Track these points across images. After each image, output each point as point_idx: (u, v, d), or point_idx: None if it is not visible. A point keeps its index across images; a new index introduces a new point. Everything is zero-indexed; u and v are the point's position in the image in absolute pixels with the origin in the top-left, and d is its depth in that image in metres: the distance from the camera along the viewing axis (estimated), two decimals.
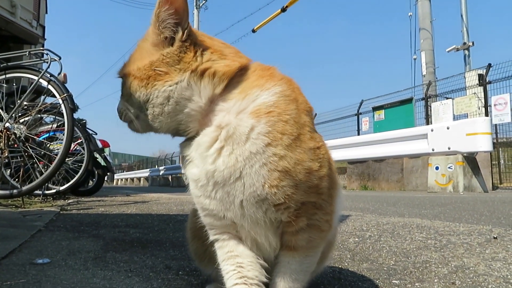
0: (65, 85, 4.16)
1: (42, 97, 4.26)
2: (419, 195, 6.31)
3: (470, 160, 7.78)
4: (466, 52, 13.38)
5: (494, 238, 2.00)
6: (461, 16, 13.34)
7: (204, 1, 24.87)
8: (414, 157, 10.23)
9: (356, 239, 2.09)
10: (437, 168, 8.07)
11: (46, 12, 16.33)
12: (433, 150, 8.13)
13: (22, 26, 11.23)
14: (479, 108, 11.73)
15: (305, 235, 0.91)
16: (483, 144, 7.38)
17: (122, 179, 35.01)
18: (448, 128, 7.93)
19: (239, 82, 0.91)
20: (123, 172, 41.10)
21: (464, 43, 13.31)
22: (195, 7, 24.93)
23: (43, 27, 15.00)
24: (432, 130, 8.25)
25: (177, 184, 21.04)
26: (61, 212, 3.44)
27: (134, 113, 0.96)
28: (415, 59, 15.41)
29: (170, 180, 22.86)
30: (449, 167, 7.81)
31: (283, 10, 15.98)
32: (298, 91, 0.95)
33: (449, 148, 7.81)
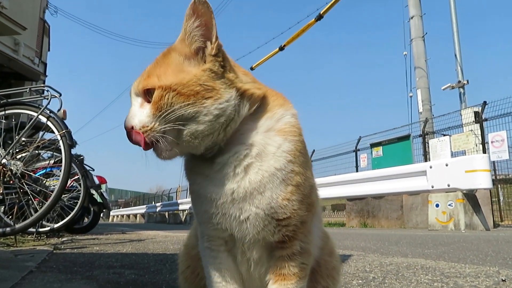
0: (65, 121, 4.17)
1: (41, 133, 4.24)
2: (421, 233, 6.19)
3: (471, 197, 7.71)
4: (461, 90, 13.59)
5: (503, 280, 1.94)
6: (455, 55, 13.65)
7: None
8: (414, 194, 10.15)
9: (360, 281, 2.01)
10: (437, 205, 7.99)
11: (49, 50, 16.67)
12: (432, 187, 8.07)
13: (24, 63, 11.43)
14: (476, 145, 11.78)
15: (298, 260, 0.92)
16: (482, 181, 7.33)
17: (118, 216, 34.49)
18: (447, 165, 7.91)
19: (263, 103, 0.96)
20: (119, 208, 40.55)
21: (459, 81, 13.54)
22: None
23: (45, 64, 15.26)
24: (431, 167, 8.22)
25: (174, 221, 20.73)
26: (54, 251, 3.34)
27: (162, 130, 0.87)
28: (411, 96, 15.63)
29: (167, 216, 22.53)
30: (449, 205, 7.73)
31: (281, 49, 16.36)
32: None
33: (448, 185, 7.75)
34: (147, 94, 0.89)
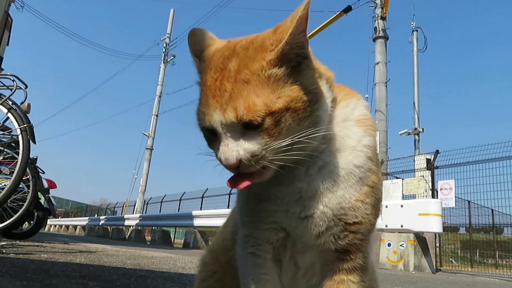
0: (27, 115, 3.86)
1: None
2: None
3: (421, 239, 7.95)
4: (417, 137, 14.28)
5: None
6: (413, 104, 14.41)
7: (172, 57, 25.29)
8: None
9: None
10: (389, 244, 8.15)
11: (8, 44, 15.79)
12: (386, 226, 8.26)
13: None
14: (426, 190, 12.30)
15: (359, 277, 0.83)
16: (434, 225, 7.61)
17: (56, 225, 32.41)
18: (402, 206, 8.16)
19: (333, 90, 0.86)
20: (58, 218, 38.22)
21: (415, 129, 14.24)
22: (162, 62, 25.23)
23: (1, 58, 14.38)
24: (386, 207, 8.43)
25: (117, 236, 19.73)
26: None
27: (273, 155, 0.74)
28: None
29: (110, 231, 21.42)
30: (401, 245, 7.91)
31: None
32: None
33: (402, 226, 7.96)
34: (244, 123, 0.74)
